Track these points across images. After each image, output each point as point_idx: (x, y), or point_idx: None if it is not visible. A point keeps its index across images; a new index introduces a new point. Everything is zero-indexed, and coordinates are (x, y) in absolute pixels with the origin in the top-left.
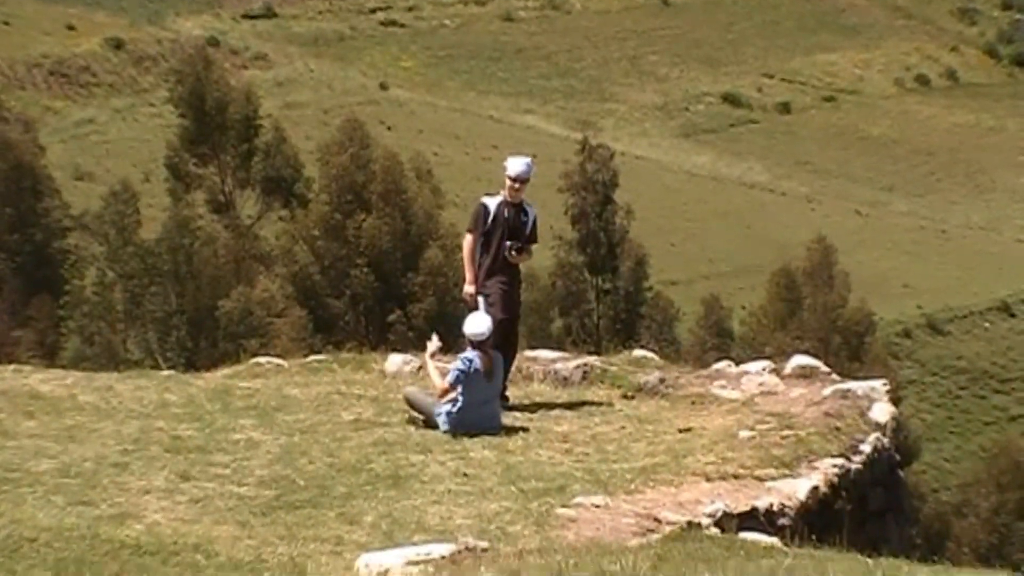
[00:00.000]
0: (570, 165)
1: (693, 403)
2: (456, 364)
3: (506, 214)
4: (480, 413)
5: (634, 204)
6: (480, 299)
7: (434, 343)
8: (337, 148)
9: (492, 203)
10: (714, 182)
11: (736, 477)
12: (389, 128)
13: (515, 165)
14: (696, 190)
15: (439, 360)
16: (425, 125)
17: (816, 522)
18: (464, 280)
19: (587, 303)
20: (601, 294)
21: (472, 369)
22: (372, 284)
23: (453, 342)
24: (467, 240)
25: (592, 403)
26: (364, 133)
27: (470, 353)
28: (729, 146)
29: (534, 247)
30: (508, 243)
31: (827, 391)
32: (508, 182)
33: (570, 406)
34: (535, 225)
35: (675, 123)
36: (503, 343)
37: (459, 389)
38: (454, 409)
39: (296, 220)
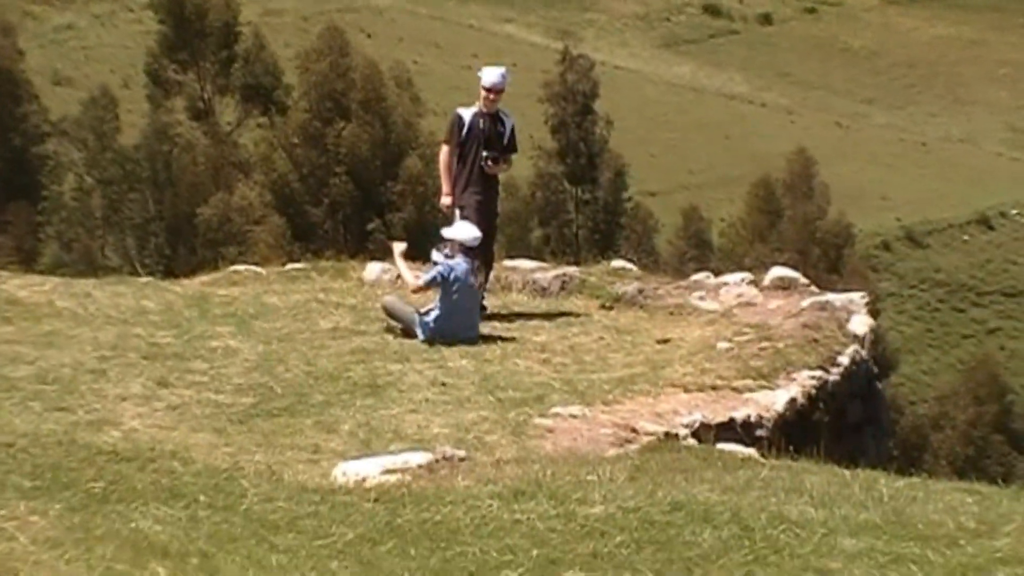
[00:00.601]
0: (550, 75)
1: (671, 314)
2: (437, 267)
3: (482, 125)
4: (459, 322)
5: (614, 115)
6: (456, 212)
7: (400, 244)
8: (317, 56)
9: (467, 114)
10: (694, 93)
11: (714, 388)
12: (369, 36)
13: (489, 75)
14: (676, 101)
15: (413, 269)
16: (405, 33)
17: (794, 434)
18: (441, 192)
19: (566, 213)
20: (580, 204)
21: (452, 276)
22: (351, 192)
23: (429, 249)
24: (443, 151)
25: (570, 313)
26: (344, 41)
27: (454, 260)
28: (709, 57)
29: (514, 157)
30: (484, 153)
31: (805, 303)
32: (483, 92)
33: (548, 316)
34: (513, 134)
35: (656, 33)
36: (481, 253)
37: (437, 296)
38: (431, 319)
39: (275, 128)
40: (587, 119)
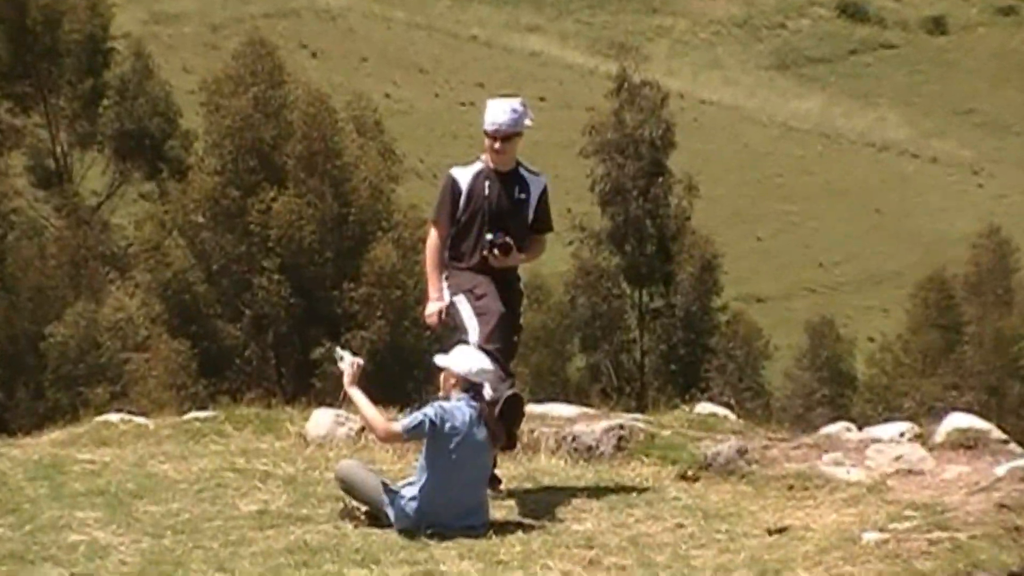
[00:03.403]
0: (599, 114)
1: (791, 488)
2: (426, 409)
3: (487, 190)
4: (456, 500)
5: (700, 175)
6: (461, 298)
7: (348, 357)
8: (233, 86)
9: (465, 176)
10: (826, 141)
11: None
12: (315, 55)
13: (494, 112)
14: (797, 154)
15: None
16: (372, 51)
17: None
18: (427, 298)
19: (625, 331)
20: (647, 316)
21: (449, 426)
22: (287, 299)
23: (415, 389)
24: (430, 237)
25: (632, 488)
26: (275, 63)
27: (450, 402)
28: (849, 85)
29: (548, 237)
30: (489, 236)
31: (1001, 470)
32: (486, 140)
33: (597, 492)
34: (544, 203)
35: (764, 48)
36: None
37: (422, 458)
38: (413, 495)
39: (168, 199)
40: (657, 183)
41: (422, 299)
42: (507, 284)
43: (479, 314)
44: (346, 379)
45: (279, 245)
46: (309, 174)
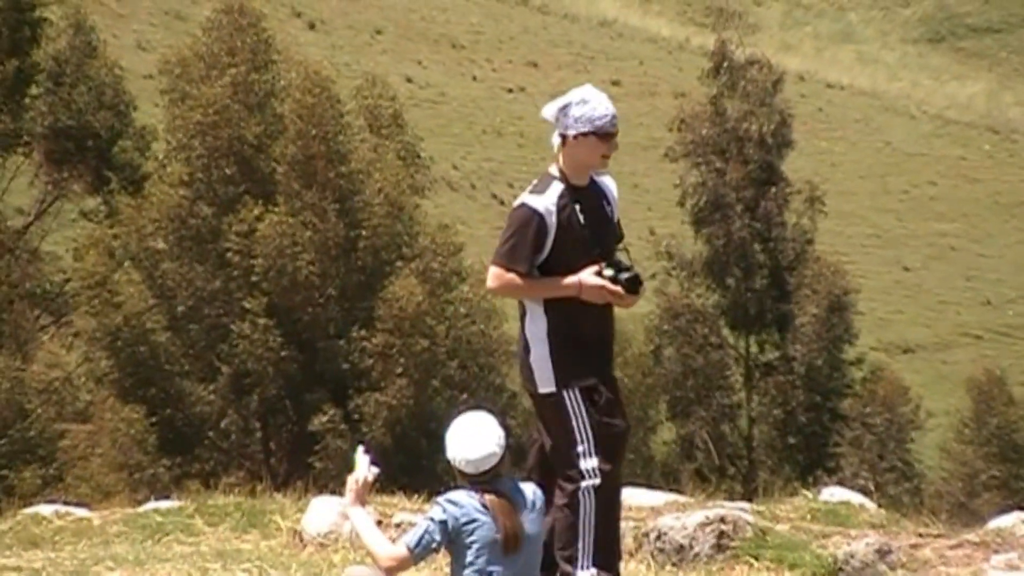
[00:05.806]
0: (691, 101)
1: None
2: (429, 511)
3: (581, 217)
4: None
5: (826, 184)
6: (577, 397)
7: (364, 464)
8: (205, 68)
9: (548, 205)
10: (994, 138)
11: None
12: (313, 27)
13: (603, 102)
14: (956, 155)
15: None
16: (388, 20)
17: None
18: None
19: (727, 392)
20: (756, 373)
21: (464, 518)
22: (277, 352)
23: (448, 469)
24: (506, 279)
25: None
26: (261, 37)
27: (460, 493)
28: None
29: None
30: (608, 273)
31: None
32: (593, 143)
33: None
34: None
35: (912, 14)
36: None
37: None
38: None
39: (119, 219)
40: (769, 194)
41: (454, 352)
42: (608, 330)
43: (602, 432)
44: (349, 495)
45: (266, 279)
46: (305, 185)
